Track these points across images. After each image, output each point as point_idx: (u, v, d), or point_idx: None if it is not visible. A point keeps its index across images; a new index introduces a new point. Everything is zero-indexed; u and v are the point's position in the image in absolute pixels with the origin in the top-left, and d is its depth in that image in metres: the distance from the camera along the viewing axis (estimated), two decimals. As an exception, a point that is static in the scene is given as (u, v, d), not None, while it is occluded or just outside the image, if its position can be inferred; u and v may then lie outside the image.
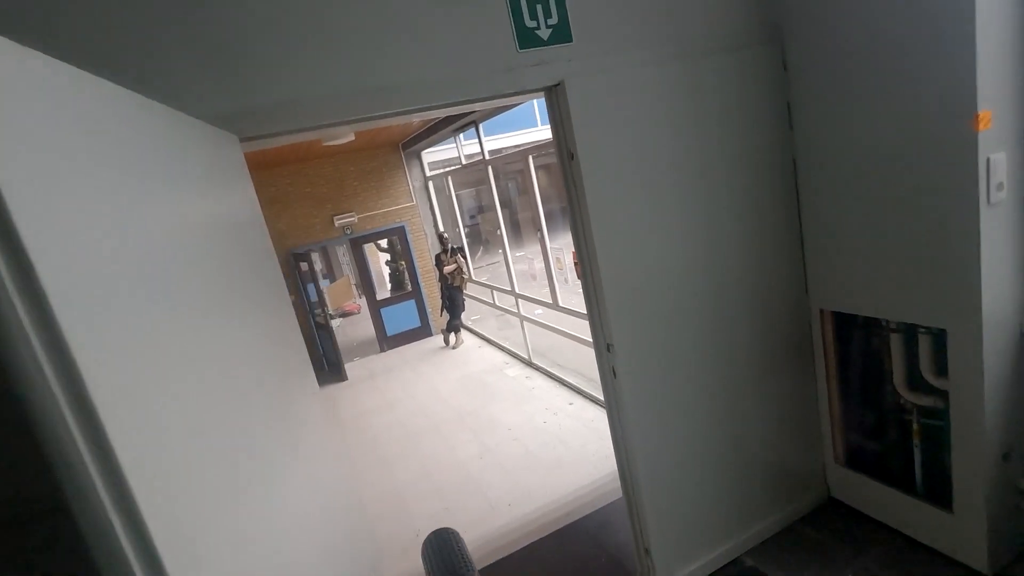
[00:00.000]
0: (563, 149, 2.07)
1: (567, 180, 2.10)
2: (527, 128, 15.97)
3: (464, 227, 9.32)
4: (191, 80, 1.43)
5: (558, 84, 1.95)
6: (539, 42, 1.88)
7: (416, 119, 2.01)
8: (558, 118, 2.04)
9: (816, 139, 2.35)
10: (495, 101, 1.96)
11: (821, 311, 2.64)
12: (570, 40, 1.95)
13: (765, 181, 2.42)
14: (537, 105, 16.36)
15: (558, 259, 5.40)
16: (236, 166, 1.51)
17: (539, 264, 5.99)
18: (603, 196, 2.07)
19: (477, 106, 2.05)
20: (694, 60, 2.16)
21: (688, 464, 2.45)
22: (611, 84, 2.02)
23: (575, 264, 5.32)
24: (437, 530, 1.62)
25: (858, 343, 2.62)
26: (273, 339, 1.54)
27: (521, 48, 1.87)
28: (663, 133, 2.15)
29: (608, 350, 2.19)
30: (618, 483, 2.53)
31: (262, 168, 7.64)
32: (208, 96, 1.43)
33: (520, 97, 2.16)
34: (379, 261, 13.77)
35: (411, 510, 4.27)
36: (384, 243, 9.47)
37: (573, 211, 2.11)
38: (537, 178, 5.45)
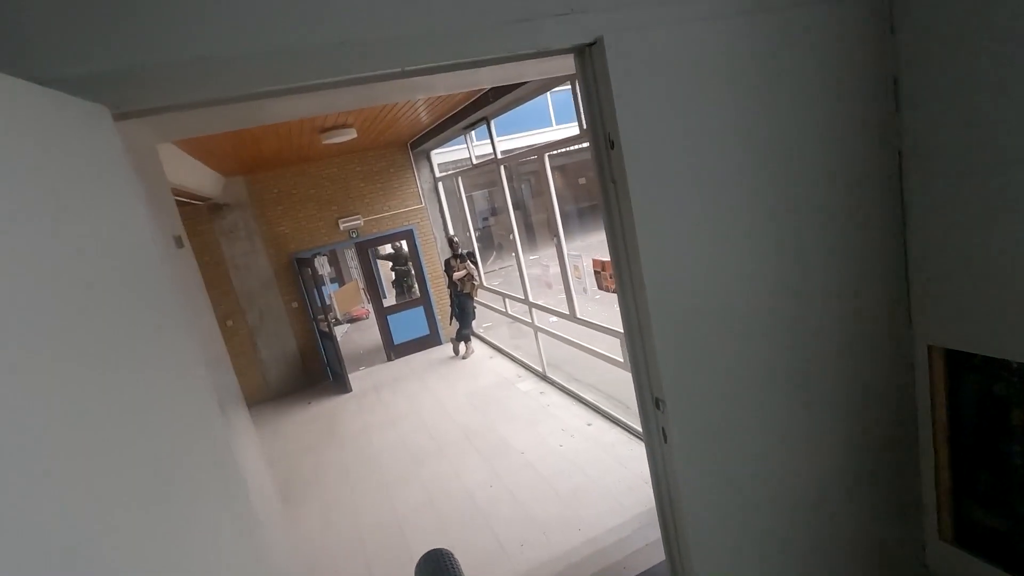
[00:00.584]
0: (599, 134, 1.56)
1: (603, 176, 1.60)
2: (542, 128, 15.49)
3: (475, 230, 8.88)
4: (33, 25, 0.98)
5: (594, 42, 1.43)
6: (568, -20, 1.37)
7: (380, 93, 1.51)
8: (592, 91, 1.53)
9: (933, 128, 1.78)
10: (505, 70, 1.46)
11: (929, 348, 2.07)
12: (609, -18, 1.43)
13: (860, 181, 1.87)
14: (552, 102, 15.90)
15: (576, 266, 4.93)
16: (103, 148, 1.06)
17: (554, 270, 5.53)
18: (653, 198, 1.55)
19: (482, 75, 1.53)
20: (779, 11, 1.60)
21: (754, 544, 1.92)
22: (666, 44, 1.48)
23: (595, 271, 4.85)
24: (430, 552, 1.51)
25: (976, 389, 2.08)
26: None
27: (542, -11, 1.35)
28: (730, 113, 1.63)
29: (657, 406, 1.67)
30: (651, 528, 2.01)
31: (263, 169, 7.29)
32: (61, 53, 0.98)
33: (538, 65, 1.64)
34: (386, 265, 13.42)
35: (411, 545, 3.83)
36: (386, 249, 9.05)
37: (611, 217, 1.62)
38: (553, 179, 5.00)
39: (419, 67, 1.28)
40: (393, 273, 10.07)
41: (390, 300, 9.30)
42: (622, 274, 1.65)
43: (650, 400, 1.71)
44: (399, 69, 1.24)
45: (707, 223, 1.66)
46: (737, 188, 1.68)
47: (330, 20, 1.18)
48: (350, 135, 5.19)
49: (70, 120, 0.95)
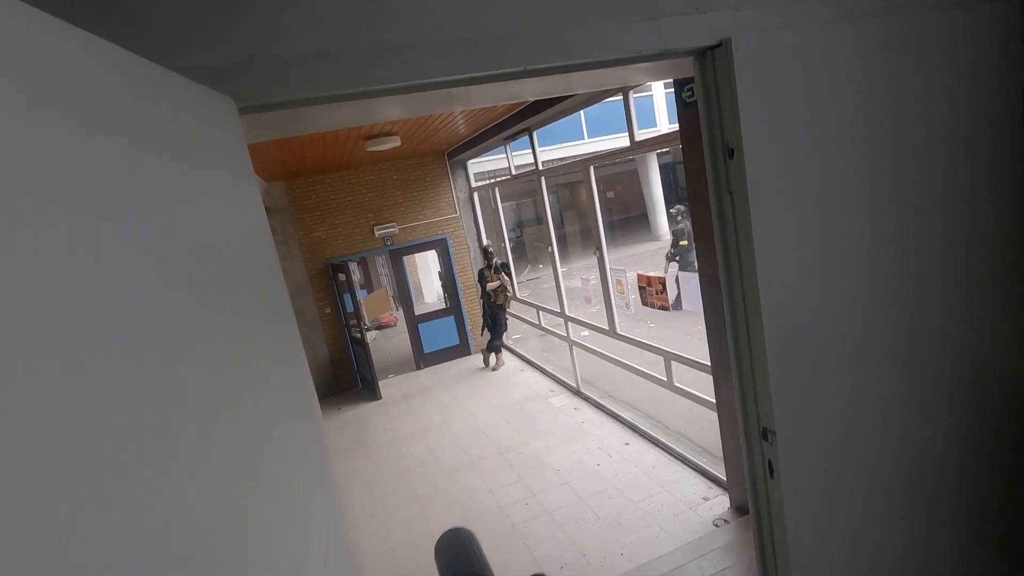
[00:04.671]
0: (716, 141, 1.48)
1: (718, 187, 1.50)
2: (574, 141, 15.46)
3: (509, 241, 8.82)
4: (167, 16, 0.94)
5: (719, 44, 1.35)
6: (694, -21, 1.29)
7: (495, 99, 1.43)
8: (712, 96, 1.45)
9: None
10: (620, 72, 1.36)
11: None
12: (737, -18, 1.35)
13: (986, 204, 1.71)
14: (584, 117, 15.87)
15: (619, 280, 4.80)
16: (231, 143, 1.02)
17: (593, 282, 5.41)
18: (774, 212, 1.44)
19: (600, 77, 1.41)
20: (909, 14, 1.49)
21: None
22: (794, 47, 1.39)
23: (641, 287, 4.72)
24: (453, 529, 1.53)
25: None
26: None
27: (668, -12, 1.28)
28: (856, 123, 1.52)
29: (765, 438, 1.54)
30: (707, 560, 1.85)
31: (303, 174, 7.37)
32: (191, 40, 0.94)
33: (651, 70, 1.54)
34: (416, 272, 13.44)
35: (446, 565, 3.71)
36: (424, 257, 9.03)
37: (724, 231, 1.52)
38: (599, 191, 4.89)
39: (542, 67, 1.21)
40: (440, 279, 9.75)
41: (422, 308, 9.27)
42: (732, 292, 1.54)
43: (756, 431, 1.58)
44: (521, 68, 1.17)
45: (827, 242, 1.54)
46: (859, 206, 1.56)
47: (455, 17, 1.13)
48: (394, 143, 5.19)
49: (206, 111, 0.91)
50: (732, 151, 1.43)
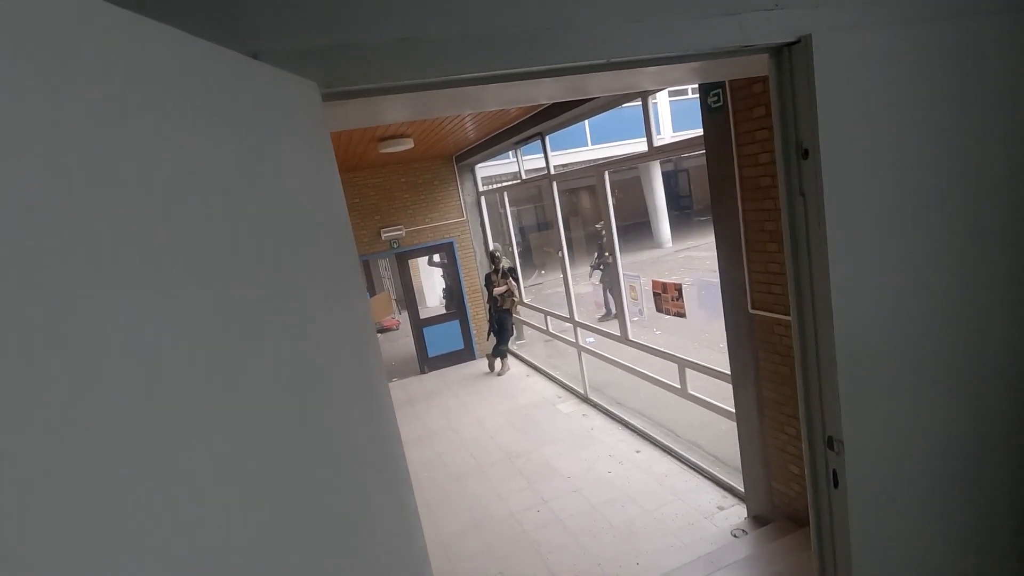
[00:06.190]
0: (789, 141, 1.45)
1: (790, 189, 1.48)
2: (578, 147, 15.50)
3: (516, 246, 8.80)
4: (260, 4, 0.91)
5: (798, 41, 1.32)
6: (774, -26, 1.27)
7: (566, 89, 1.40)
8: (788, 94, 1.42)
9: None
10: (677, 71, 1.34)
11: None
12: (816, -22, 1.34)
13: None
14: (589, 126, 15.90)
15: (632, 287, 4.78)
16: (314, 128, 1.00)
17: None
18: (850, 214, 1.41)
19: (671, 72, 1.40)
20: (995, 15, 1.49)
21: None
22: (875, 45, 1.37)
23: (656, 293, 4.69)
24: None
25: None
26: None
27: (748, -17, 1.26)
28: (936, 126, 1.50)
29: (831, 447, 1.50)
30: (731, 572, 1.80)
31: (312, 175, 7.33)
32: (281, 26, 0.91)
33: (707, 70, 1.51)
34: (420, 275, 13.39)
35: (459, 571, 3.67)
36: (437, 258, 9.03)
37: (795, 234, 1.49)
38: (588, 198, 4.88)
39: (625, 59, 1.19)
40: (444, 280, 9.93)
41: (426, 312, 9.22)
42: (801, 297, 1.51)
43: (821, 439, 1.55)
44: (604, 61, 1.15)
45: (899, 246, 1.52)
46: (930, 210, 1.54)
47: (543, 7, 1.11)
48: (407, 145, 5.17)
49: (286, 91, 0.89)
50: (807, 151, 1.40)
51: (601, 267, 10.77)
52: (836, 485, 1.52)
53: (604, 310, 9.25)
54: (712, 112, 2.99)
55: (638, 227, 18.52)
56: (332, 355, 0.96)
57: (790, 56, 1.39)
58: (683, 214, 20.48)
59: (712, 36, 1.26)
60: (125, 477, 0.48)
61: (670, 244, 17.09)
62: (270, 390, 0.74)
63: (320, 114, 1.01)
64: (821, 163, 1.37)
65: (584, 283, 10.68)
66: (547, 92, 1.31)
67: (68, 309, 0.46)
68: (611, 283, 10.17)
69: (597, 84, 1.35)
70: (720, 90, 2.86)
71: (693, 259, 14.13)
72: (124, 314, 0.51)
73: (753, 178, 2.78)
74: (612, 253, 4.93)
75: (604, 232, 10.56)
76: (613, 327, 5.32)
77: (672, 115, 15.31)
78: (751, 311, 2.98)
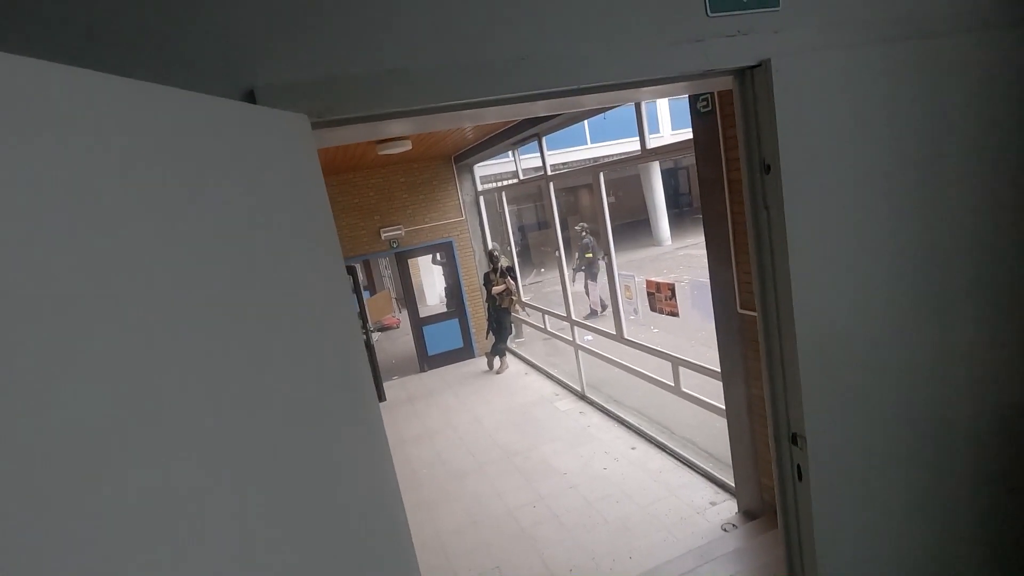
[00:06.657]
0: (753, 157, 1.54)
1: (755, 202, 1.57)
2: (578, 146, 15.55)
3: (515, 245, 8.87)
4: (245, 37, 0.98)
5: (759, 64, 1.41)
6: (736, 4, 1.36)
7: (548, 107, 1.48)
8: (750, 112, 1.51)
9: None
10: (652, 90, 1.43)
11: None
12: (776, 5, 1.43)
13: None
14: (588, 124, 15.94)
15: (627, 286, 4.85)
16: (304, 157, 1.06)
17: (600, 288, 5.45)
18: (809, 226, 1.50)
19: (643, 92, 1.48)
20: (947, 36, 1.58)
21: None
22: (832, 68, 1.46)
23: (649, 293, 4.76)
24: None
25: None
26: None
27: (712, 12, 1.35)
28: (892, 142, 1.58)
29: (795, 442, 1.59)
30: (720, 564, 1.87)
31: (311, 176, 7.40)
32: (273, 64, 0.99)
33: (681, 87, 1.60)
34: (419, 274, 13.46)
35: (456, 567, 3.75)
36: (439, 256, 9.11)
37: (759, 244, 1.58)
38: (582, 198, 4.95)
39: (596, 84, 1.26)
40: (446, 280, 10.05)
41: (426, 310, 9.30)
42: (766, 302, 1.60)
43: (786, 435, 1.63)
44: (576, 86, 1.22)
45: (860, 254, 1.60)
46: (891, 221, 1.63)
47: (517, 38, 1.18)
48: (405, 147, 5.23)
49: (284, 129, 0.97)
50: (768, 166, 1.49)
51: (583, 268, 10.94)
52: (800, 479, 1.60)
53: (589, 309, 9.37)
54: (701, 116, 3.05)
55: (638, 225, 18.58)
56: (325, 380, 1.04)
57: (752, 78, 1.47)
58: (682, 212, 20.54)
59: (679, 61, 1.34)
60: (119, 473, 0.56)
61: (669, 242, 17.14)
62: (265, 399, 0.81)
63: (311, 144, 1.08)
64: (782, 177, 1.45)
65: (582, 282, 10.81)
66: (541, 107, 1.39)
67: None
68: (595, 283, 10.35)
69: (588, 98, 1.43)
70: (709, 95, 2.92)
71: (692, 257, 14.18)
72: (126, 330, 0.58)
73: (740, 181, 2.84)
74: (608, 253, 5.00)
75: (585, 233, 10.83)
76: (607, 324, 5.39)
77: (671, 114, 15.36)
78: (740, 311, 3.05)
